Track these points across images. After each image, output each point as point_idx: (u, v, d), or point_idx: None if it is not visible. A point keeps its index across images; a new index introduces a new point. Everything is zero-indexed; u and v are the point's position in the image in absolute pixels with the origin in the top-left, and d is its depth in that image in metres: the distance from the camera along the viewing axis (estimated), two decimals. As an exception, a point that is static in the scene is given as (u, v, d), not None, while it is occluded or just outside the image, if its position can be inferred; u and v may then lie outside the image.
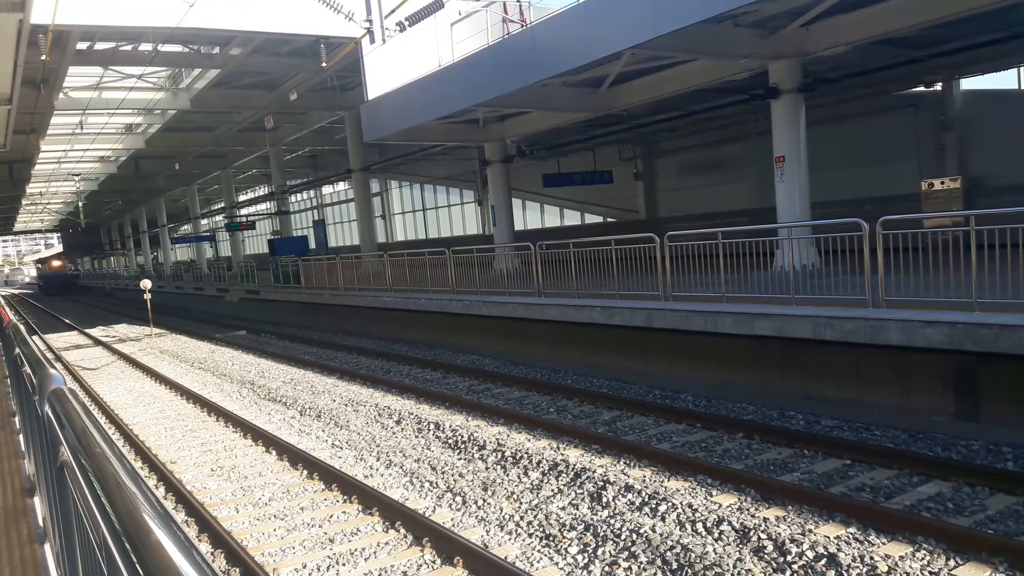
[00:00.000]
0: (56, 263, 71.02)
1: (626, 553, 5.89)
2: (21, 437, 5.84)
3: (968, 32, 13.23)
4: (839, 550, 5.48)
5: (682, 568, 5.54)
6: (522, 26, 17.69)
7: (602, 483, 7.32)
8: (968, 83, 16.84)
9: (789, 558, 5.49)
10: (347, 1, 17.49)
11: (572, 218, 29.29)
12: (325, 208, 47.35)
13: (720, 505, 6.56)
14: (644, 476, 7.46)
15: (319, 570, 6.09)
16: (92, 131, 27.98)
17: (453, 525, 6.77)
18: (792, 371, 9.97)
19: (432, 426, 10.12)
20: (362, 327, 20.96)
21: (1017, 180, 14.71)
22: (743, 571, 5.38)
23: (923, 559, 5.31)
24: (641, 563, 5.69)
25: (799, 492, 6.65)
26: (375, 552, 6.34)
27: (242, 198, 49.74)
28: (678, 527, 6.26)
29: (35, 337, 24.97)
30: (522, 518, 6.83)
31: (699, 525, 6.21)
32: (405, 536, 6.58)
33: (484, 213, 31.43)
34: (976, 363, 7.92)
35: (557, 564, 5.88)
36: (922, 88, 17.23)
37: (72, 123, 26.56)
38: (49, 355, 21.53)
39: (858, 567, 5.23)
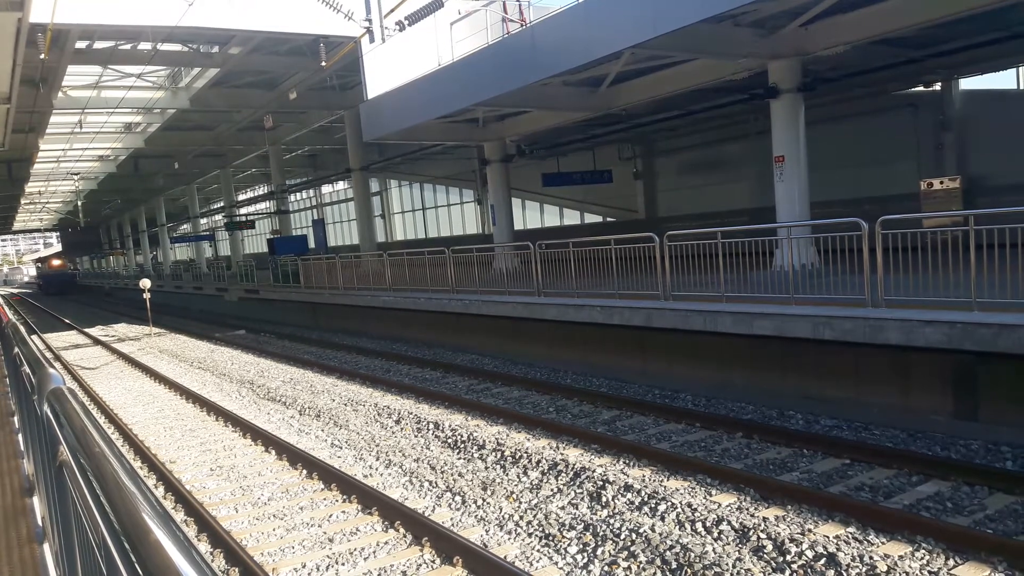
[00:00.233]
0: (56, 262, 70.91)
1: (625, 553, 5.89)
2: (20, 436, 5.84)
3: (967, 32, 13.23)
4: (838, 550, 5.48)
5: (681, 568, 5.54)
6: (522, 25, 17.70)
7: (601, 482, 7.32)
8: (967, 83, 16.85)
9: (788, 558, 5.49)
10: (346, 0, 17.48)
11: (572, 217, 29.28)
12: (324, 207, 47.35)
13: (719, 505, 6.56)
14: (643, 475, 7.46)
15: (318, 570, 6.09)
16: (91, 130, 27.98)
17: (452, 525, 6.77)
18: (791, 371, 9.97)
19: (431, 425, 10.12)
20: (361, 326, 20.96)
21: (1016, 180, 14.71)
22: (742, 571, 5.38)
23: (922, 559, 5.31)
24: (640, 563, 5.70)
25: (798, 492, 6.65)
26: (374, 552, 6.34)
27: (241, 197, 49.73)
28: (677, 527, 6.26)
29: (34, 337, 24.96)
30: (521, 517, 6.83)
31: (698, 525, 6.21)
32: (404, 536, 6.58)
33: (484, 212, 31.42)
34: (975, 362, 7.93)
35: (556, 564, 5.88)
36: (921, 88, 17.24)
37: (71, 122, 26.55)
38: (48, 355, 21.52)
39: (857, 567, 5.23)
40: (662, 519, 6.42)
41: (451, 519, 6.96)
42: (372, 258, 22.98)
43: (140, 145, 31.75)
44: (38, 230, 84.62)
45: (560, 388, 11.75)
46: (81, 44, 19.23)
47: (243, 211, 46.06)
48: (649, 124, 20.62)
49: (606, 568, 5.71)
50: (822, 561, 5.37)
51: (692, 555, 5.64)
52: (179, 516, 7.60)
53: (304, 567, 6.15)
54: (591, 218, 28.32)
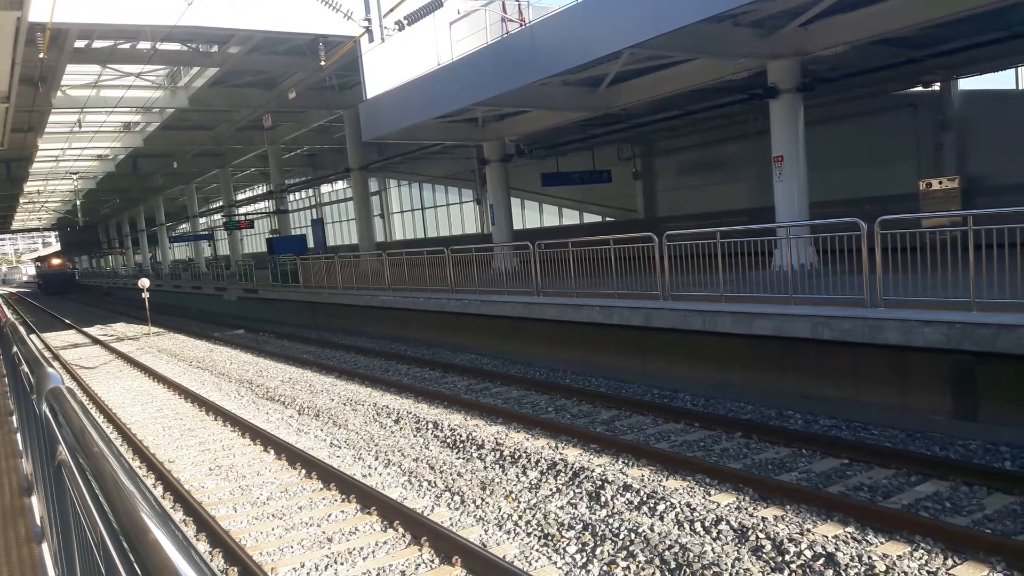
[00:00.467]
0: (56, 261, 70.72)
1: (624, 552, 5.89)
2: (19, 436, 5.83)
3: (966, 32, 13.24)
4: (837, 549, 5.48)
5: (680, 567, 5.54)
6: (521, 25, 17.69)
7: (600, 482, 7.32)
8: (966, 83, 16.86)
9: (787, 557, 5.49)
10: (346, 0, 17.48)
11: (571, 217, 29.29)
12: (323, 207, 47.34)
13: (718, 504, 6.56)
14: (642, 475, 7.46)
15: (317, 569, 6.09)
16: (90, 129, 27.95)
17: (451, 524, 6.77)
18: (790, 370, 9.98)
19: (430, 425, 10.12)
20: (360, 326, 20.95)
21: (1015, 180, 14.73)
22: (741, 570, 5.38)
23: (921, 558, 5.31)
24: (639, 562, 5.70)
25: (797, 491, 6.65)
26: (373, 551, 6.34)
27: (240, 197, 49.71)
28: (676, 526, 6.26)
29: (33, 336, 24.94)
30: (520, 517, 6.83)
31: (697, 524, 6.21)
32: (403, 535, 6.58)
33: (483, 212, 31.43)
34: (974, 363, 7.93)
35: (555, 563, 5.88)
36: (920, 88, 17.26)
37: (70, 121, 26.52)
38: (47, 354, 21.51)
39: (856, 566, 5.24)
40: (661, 519, 6.42)
41: (450, 519, 6.96)
42: (371, 258, 22.99)
43: (139, 144, 31.72)
44: (37, 229, 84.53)
45: (559, 388, 11.75)
46: (80, 43, 19.22)
47: (242, 210, 46.03)
48: (648, 124, 20.63)
49: (605, 568, 5.71)
50: (821, 561, 5.37)
51: (691, 555, 5.65)
52: (178, 516, 7.59)
53: (303, 566, 6.14)
54: (590, 218, 28.33)
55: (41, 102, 20.50)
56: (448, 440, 9.45)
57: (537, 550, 6.15)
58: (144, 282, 25.67)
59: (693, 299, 11.23)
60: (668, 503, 6.65)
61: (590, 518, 6.60)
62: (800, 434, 8.40)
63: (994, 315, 7.76)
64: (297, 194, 48.46)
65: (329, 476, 8.21)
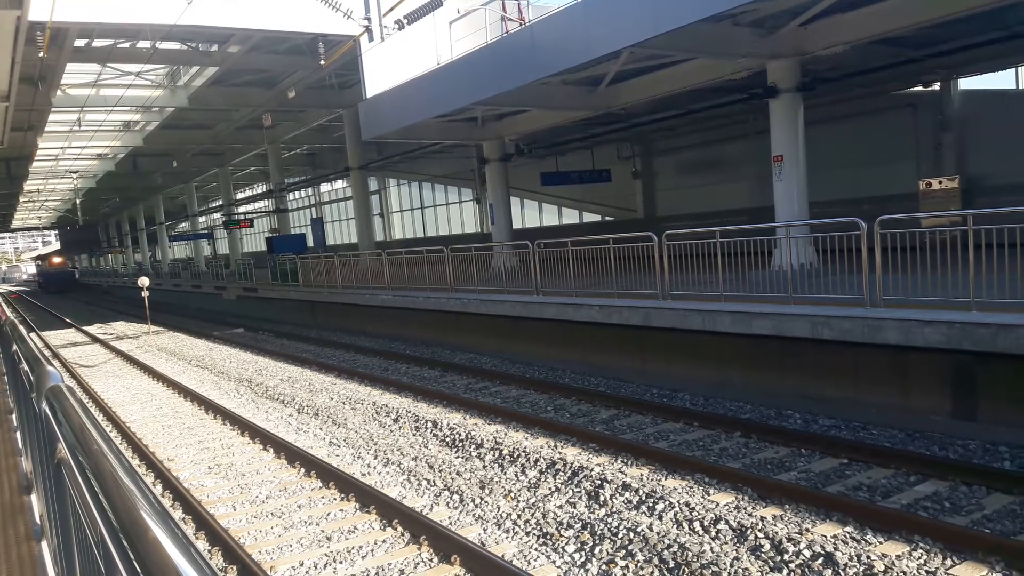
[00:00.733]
0: (56, 259, 70.58)
1: (623, 551, 5.90)
2: (18, 434, 5.83)
3: (966, 32, 13.25)
4: (836, 549, 5.49)
5: (679, 567, 5.54)
6: (520, 25, 17.69)
7: (599, 481, 7.32)
8: (966, 83, 16.86)
9: (786, 557, 5.49)
10: (345, -1, 17.50)
11: (570, 217, 29.30)
12: (323, 206, 47.33)
13: (717, 504, 6.56)
14: (641, 475, 7.47)
15: (316, 568, 6.09)
16: (90, 128, 27.92)
17: (450, 523, 6.77)
18: (790, 370, 9.98)
19: (430, 424, 10.12)
20: (360, 325, 20.95)
21: (1015, 180, 14.73)
22: (740, 570, 5.38)
23: (920, 558, 5.31)
24: (638, 561, 5.70)
25: (796, 491, 6.66)
26: (372, 550, 6.34)
27: (240, 196, 49.69)
28: (675, 526, 6.26)
29: (32, 335, 24.94)
30: (519, 516, 6.83)
31: (696, 524, 6.21)
32: (402, 534, 6.58)
33: (482, 211, 31.43)
34: (974, 363, 7.93)
35: (554, 562, 5.88)
36: (920, 88, 17.26)
37: (70, 120, 26.52)
38: (46, 352, 21.51)
39: (855, 566, 5.24)
40: (660, 518, 6.43)
41: (449, 518, 6.97)
42: (371, 257, 22.99)
43: (139, 143, 31.71)
44: (37, 228, 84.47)
45: (558, 387, 11.75)
46: (80, 42, 19.20)
47: (242, 209, 46.01)
48: (648, 123, 20.62)
49: (604, 567, 5.72)
50: (820, 560, 5.38)
51: (690, 554, 5.65)
52: (177, 514, 7.59)
53: (302, 565, 6.15)
54: (590, 217, 28.33)
55: (41, 101, 20.48)
56: (447, 439, 9.45)
57: (536, 549, 6.15)
58: (144, 281, 25.65)
59: (692, 299, 11.23)
60: (667, 502, 6.65)
61: (589, 517, 6.60)
62: (799, 434, 8.40)
63: (994, 315, 7.76)
64: (297, 193, 48.46)
65: (328, 475, 8.21)
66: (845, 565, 5.26)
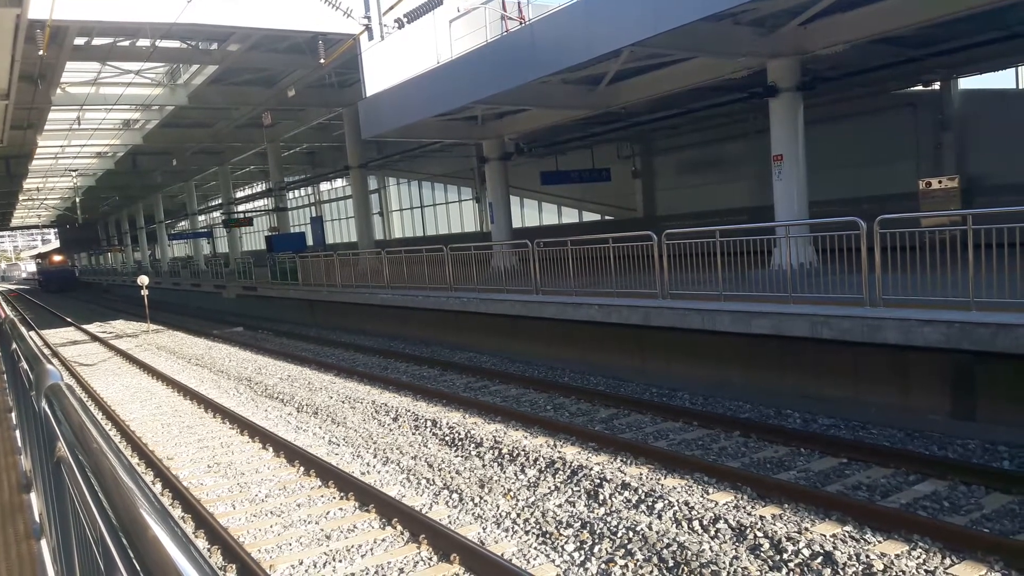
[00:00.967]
0: (57, 258, 70.42)
1: (622, 550, 5.90)
2: (18, 433, 5.83)
3: (966, 32, 13.24)
4: (835, 548, 5.49)
5: (678, 566, 5.54)
6: (520, 23, 17.68)
7: (599, 480, 7.32)
8: (966, 82, 16.86)
9: (785, 556, 5.50)
10: (345, -2, 17.49)
11: (570, 216, 29.29)
12: (323, 205, 47.31)
13: (716, 503, 6.57)
14: (641, 474, 7.47)
15: (316, 567, 6.09)
16: (89, 127, 27.90)
17: (450, 522, 6.77)
18: (789, 369, 9.98)
19: (429, 423, 10.12)
20: (359, 324, 20.95)
21: (1015, 179, 14.73)
22: (739, 569, 5.39)
23: (919, 557, 5.32)
24: (637, 560, 5.70)
25: (796, 490, 6.66)
26: (372, 549, 6.34)
27: (240, 195, 49.66)
28: (674, 525, 6.26)
29: (32, 333, 24.93)
30: (519, 515, 6.83)
31: (695, 523, 6.22)
32: (402, 533, 6.59)
33: (482, 210, 31.41)
34: (973, 362, 7.94)
35: (553, 561, 5.88)
36: (920, 87, 17.26)
37: (69, 118, 26.50)
38: (46, 351, 21.50)
39: (854, 565, 5.24)
40: (659, 517, 6.43)
41: (448, 516, 6.97)
42: (370, 255, 22.98)
43: (138, 142, 31.68)
44: (36, 226, 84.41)
45: (558, 386, 11.75)
46: (80, 40, 19.17)
47: (241, 208, 45.98)
48: (648, 123, 20.61)
49: (603, 566, 5.72)
50: (819, 560, 5.38)
51: (689, 553, 5.65)
52: (176, 513, 7.59)
53: (301, 564, 6.15)
54: (589, 216, 28.32)
55: (40, 99, 20.47)
56: (446, 438, 9.45)
57: (535, 548, 6.15)
58: (143, 279, 25.65)
59: (692, 298, 11.23)
60: (666, 501, 6.65)
61: (588, 516, 6.61)
62: (799, 433, 8.40)
63: (993, 315, 7.76)
64: (296, 192, 48.43)
65: (327, 474, 8.21)
66: (844, 564, 5.26)
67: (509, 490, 7.49)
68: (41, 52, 15.45)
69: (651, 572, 5.53)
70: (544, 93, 16.66)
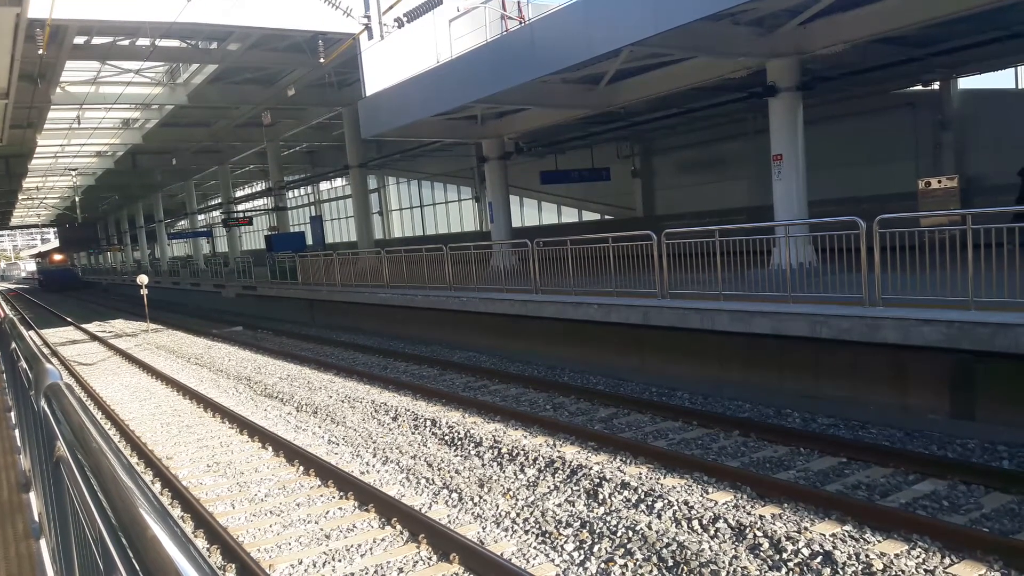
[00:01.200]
0: (58, 257, 70.24)
1: (622, 550, 5.90)
2: (17, 432, 5.83)
3: (966, 31, 13.24)
4: (835, 548, 5.49)
5: (678, 565, 5.54)
6: (520, 23, 17.67)
7: (598, 480, 7.33)
8: (966, 82, 16.87)
9: (785, 555, 5.50)
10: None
11: (570, 215, 29.29)
12: (322, 204, 47.29)
13: (716, 502, 6.57)
14: (640, 473, 7.47)
15: (315, 566, 6.09)
16: (89, 126, 27.90)
17: (449, 522, 6.77)
18: (789, 369, 9.99)
19: (429, 423, 10.12)
20: (359, 323, 20.95)
21: (1014, 179, 14.72)
22: (739, 568, 5.39)
23: (918, 557, 5.32)
24: (637, 560, 5.70)
25: (795, 490, 6.66)
26: (371, 548, 6.34)
27: (239, 194, 49.63)
28: (674, 524, 6.27)
29: (31, 332, 24.92)
30: (518, 515, 6.83)
31: (695, 522, 6.22)
32: (401, 532, 6.59)
33: (482, 210, 31.41)
34: (972, 362, 7.94)
35: (553, 561, 5.88)
36: (920, 87, 17.26)
37: (69, 118, 26.49)
38: (45, 350, 21.49)
39: (853, 565, 5.24)
40: (659, 516, 6.43)
41: (448, 516, 6.97)
42: (370, 255, 22.98)
43: (138, 141, 31.67)
44: (35, 226, 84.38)
45: (557, 386, 11.76)
46: (79, 39, 19.17)
47: (241, 208, 45.95)
48: (648, 122, 20.61)
49: (602, 565, 5.72)
50: (818, 559, 5.38)
51: (688, 552, 5.65)
52: (176, 512, 7.59)
53: (301, 563, 6.15)
54: (589, 216, 28.33)
55: (40, 98, 20.46)
56: (446, 437, 9.45)
57: (535, 548, 6.15)
58: (143, 279, 25.63)
59: (691, 297, 11.23)
60: (666, 501, 6.66)
61: (588, 516, 6.61)
62: (798, 432, 8.41)
63: (992, 314, 7.76)
64: (296, 191, 48.41)
65: (327, 473, 8.22)
66: (844, 564, 5.26)
67: (508, 489, 7.49)
68: (41, 51, 15.44)
69: (650, 571, 5.53)
70: (544, 92, 16.65)
